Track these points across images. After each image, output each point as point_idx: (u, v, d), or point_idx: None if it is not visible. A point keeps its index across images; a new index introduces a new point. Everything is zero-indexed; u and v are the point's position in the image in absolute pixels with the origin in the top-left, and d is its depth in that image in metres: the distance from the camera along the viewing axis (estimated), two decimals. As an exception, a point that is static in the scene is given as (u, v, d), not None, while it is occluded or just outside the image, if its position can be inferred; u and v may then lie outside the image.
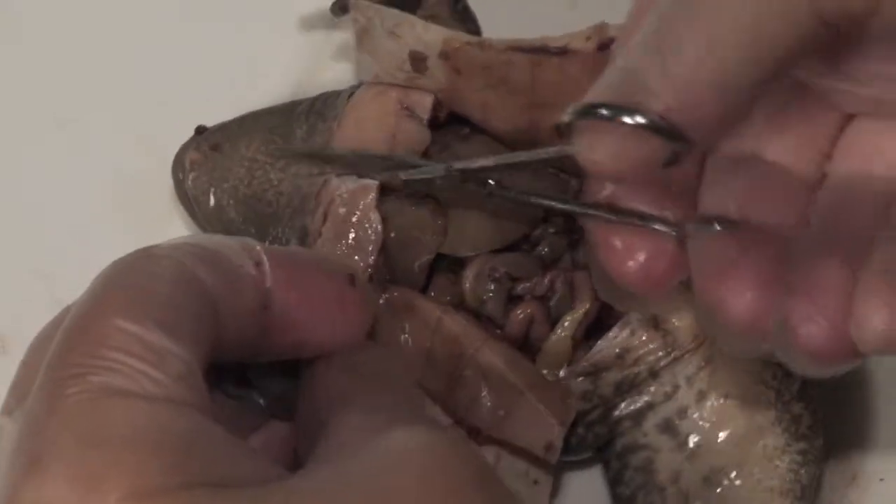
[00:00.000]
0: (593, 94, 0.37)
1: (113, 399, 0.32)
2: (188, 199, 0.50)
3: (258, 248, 0.38)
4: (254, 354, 0.38)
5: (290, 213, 0.49)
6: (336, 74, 0.54)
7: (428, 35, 0.48)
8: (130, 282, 0.35)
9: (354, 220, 0.47)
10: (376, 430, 0.35)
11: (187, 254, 0.36)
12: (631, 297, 0.41)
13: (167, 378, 0.33)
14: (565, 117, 0.37)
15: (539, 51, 0.47)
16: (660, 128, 0.35)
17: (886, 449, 0.50)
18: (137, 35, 0.55)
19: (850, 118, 0.40)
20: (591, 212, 0.40)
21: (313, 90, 0.52)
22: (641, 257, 0.39)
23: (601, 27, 0.46)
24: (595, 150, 0.37)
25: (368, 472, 0.33)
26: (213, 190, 0.50)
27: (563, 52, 0.47)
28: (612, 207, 0.39)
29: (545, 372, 0.48)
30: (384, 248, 0.47)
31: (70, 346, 0.33)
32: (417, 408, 0.40)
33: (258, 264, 0.37)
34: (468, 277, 0.48)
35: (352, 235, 0.47)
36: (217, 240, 0.38)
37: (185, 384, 0.33)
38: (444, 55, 0.48)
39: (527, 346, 0.48)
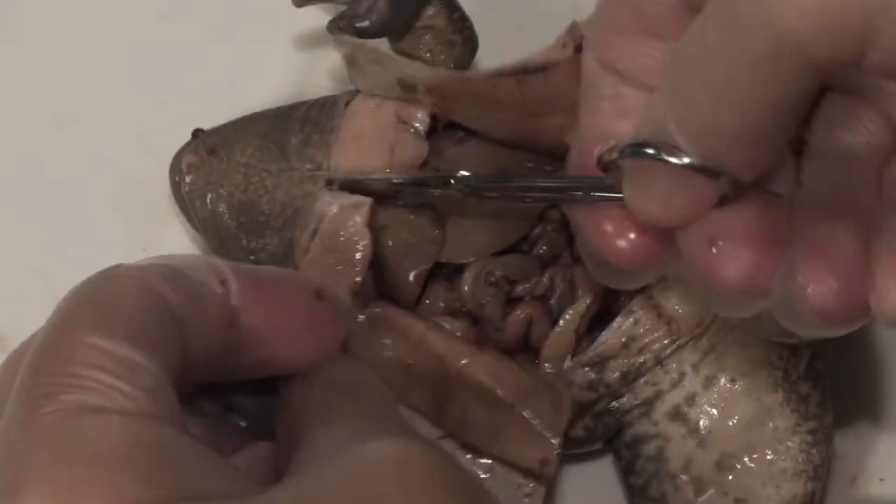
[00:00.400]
0: (636, 132, 0.37)
1: (87, 416, 0.32)
2: (184, 202, 0.50)
3: (223, 266, 0.38)
4: (224, 373, 0.38)
5: (282, 223, 0.48)
6: (335, 76, 0.54)
7: (410, 71, 0.47)
8: (97, 299, 0.35)
9: (343, 237, 0.46)
10: (353, 439, 0.35)
11: (151, 273, 0.36)
12: (625, 274, 0.41)
13: (138, 392, 0.33)
14: (611, 154, 0.37)
15: (521, 72, 0.46)
16: (704, 168, 0.35)
17: (886, 449, 0.50)
18: (137, 35, 0.55)
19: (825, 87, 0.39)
20: (574, 195, 0.40)
21: (312, 92, 0.52)
22: (631, 234, 0.39)
23: (573, 29, 0.45)
24: (645, 197, 0.37)
25: (346, 481, 0.33)
26: (209, 195, 0.49)
27: (544, 68, 0.46)
28: (595, 186, 0.39)
29: (547, 366, 0.47)
30: (379, 260, 0.47)
31: (42, 365, 0.33)
32: (394, 417, 0.39)
33: (223, 282, 0.37)
34: (466, 281, 0.47)
35: (340, 253, 0.46)
36: (181, 259, 0.38)
37: (156, 397, 0.33)
38: (430, 90, 0.47)
39: (528, 348, 0.48)
